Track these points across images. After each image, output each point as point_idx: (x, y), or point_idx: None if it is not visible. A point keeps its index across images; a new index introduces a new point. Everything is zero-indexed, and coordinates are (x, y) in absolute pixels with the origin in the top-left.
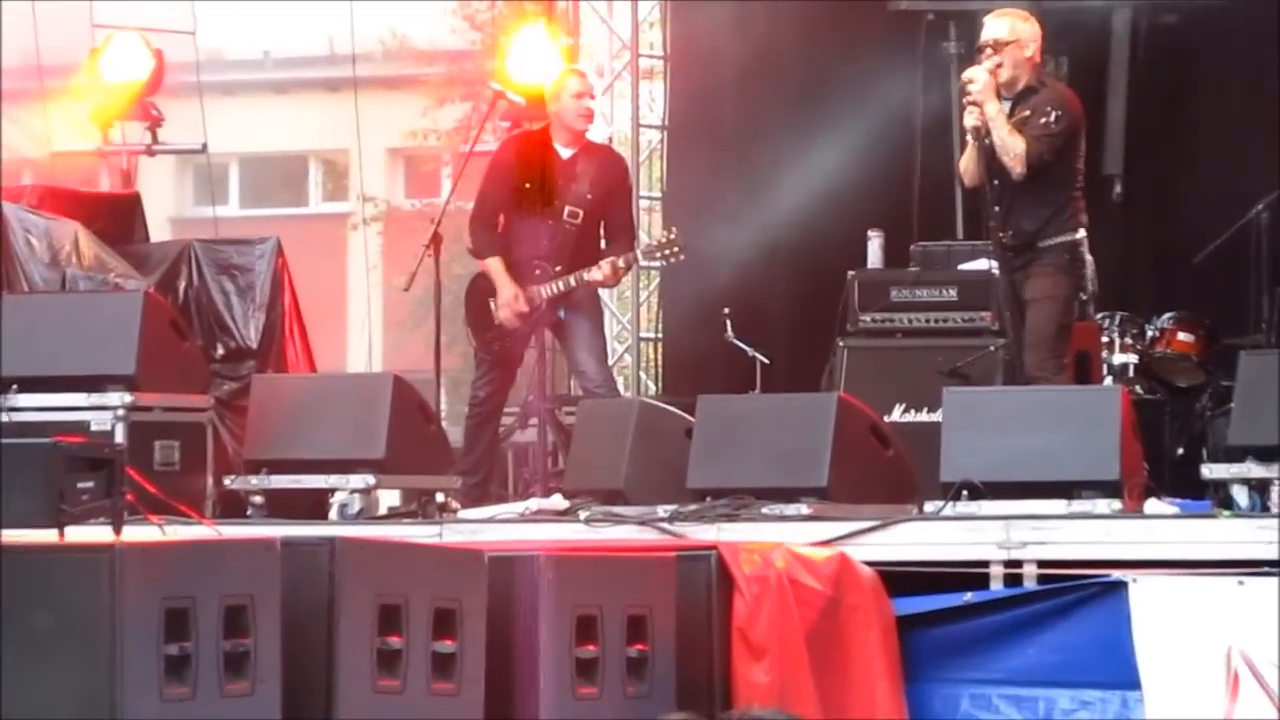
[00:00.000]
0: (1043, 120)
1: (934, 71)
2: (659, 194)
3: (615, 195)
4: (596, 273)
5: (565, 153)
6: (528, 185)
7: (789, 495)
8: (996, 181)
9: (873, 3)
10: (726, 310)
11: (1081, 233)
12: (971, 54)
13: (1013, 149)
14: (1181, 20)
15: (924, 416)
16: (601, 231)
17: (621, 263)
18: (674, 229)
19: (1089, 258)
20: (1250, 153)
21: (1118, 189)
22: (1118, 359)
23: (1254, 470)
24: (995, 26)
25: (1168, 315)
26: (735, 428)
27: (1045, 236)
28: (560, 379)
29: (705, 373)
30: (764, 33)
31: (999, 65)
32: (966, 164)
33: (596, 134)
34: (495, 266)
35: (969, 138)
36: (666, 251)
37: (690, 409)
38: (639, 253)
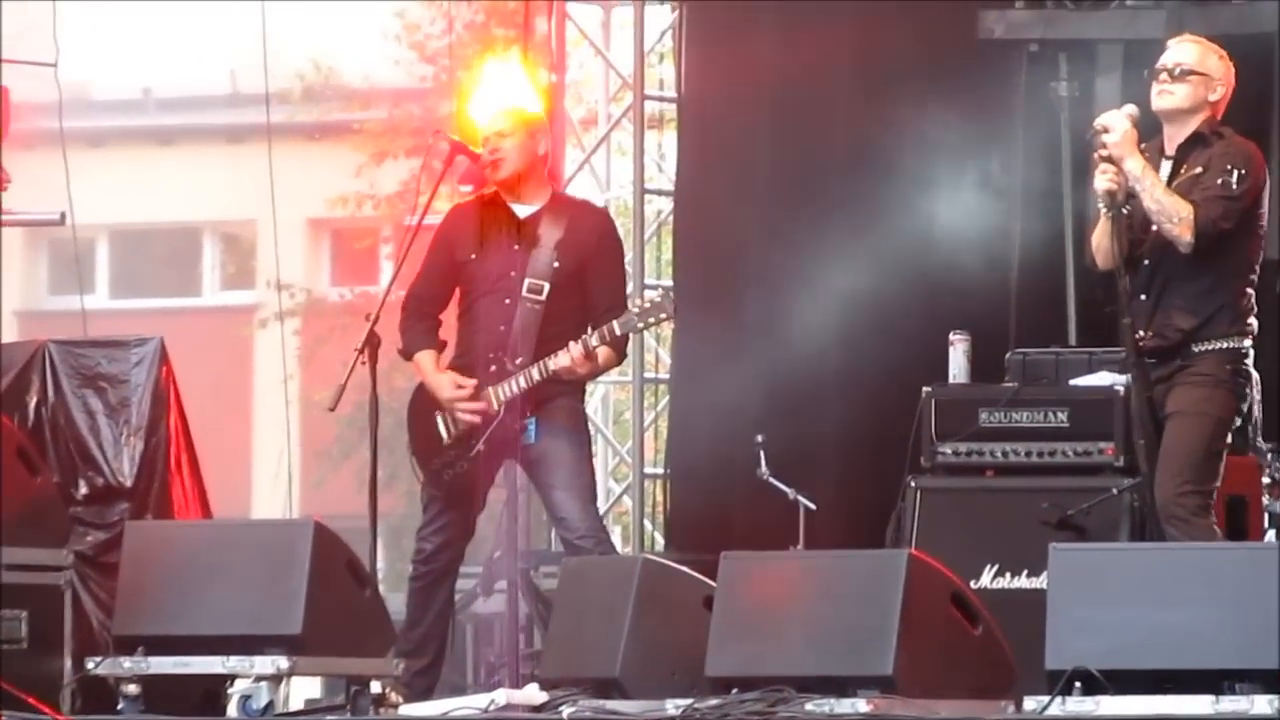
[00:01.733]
0: (1220, 180)
1: (1038, 120)
2: (670, 280)
3: (596, 261)
4: (562, 358)
5: (523, 210)
6: (473, 257)
7: (842, 687)
8: (1146, 262)
9: (958, 30)
10: (760, 438)
11: (1250, 339)
12: (1089, 96)
13: (1176, 213)
14: None
15: (1023, 582)
16: (582, 312)
17: (595, 341)
18: (669, 292)
19: (1255, 373)
20: None
21: None
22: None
23: None
24: (1182, 50)
25: None
26: (769, 596)
27: (1203, 339)
28: (537, 529)
29: (730, 522)
30: (811, 67)
31: (1172, 94)
32: (1099, 240)
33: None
34: (424, 361)
35: (1100, 207)
36: (650, 318)
37: (710, 570)
38: (617, 324)
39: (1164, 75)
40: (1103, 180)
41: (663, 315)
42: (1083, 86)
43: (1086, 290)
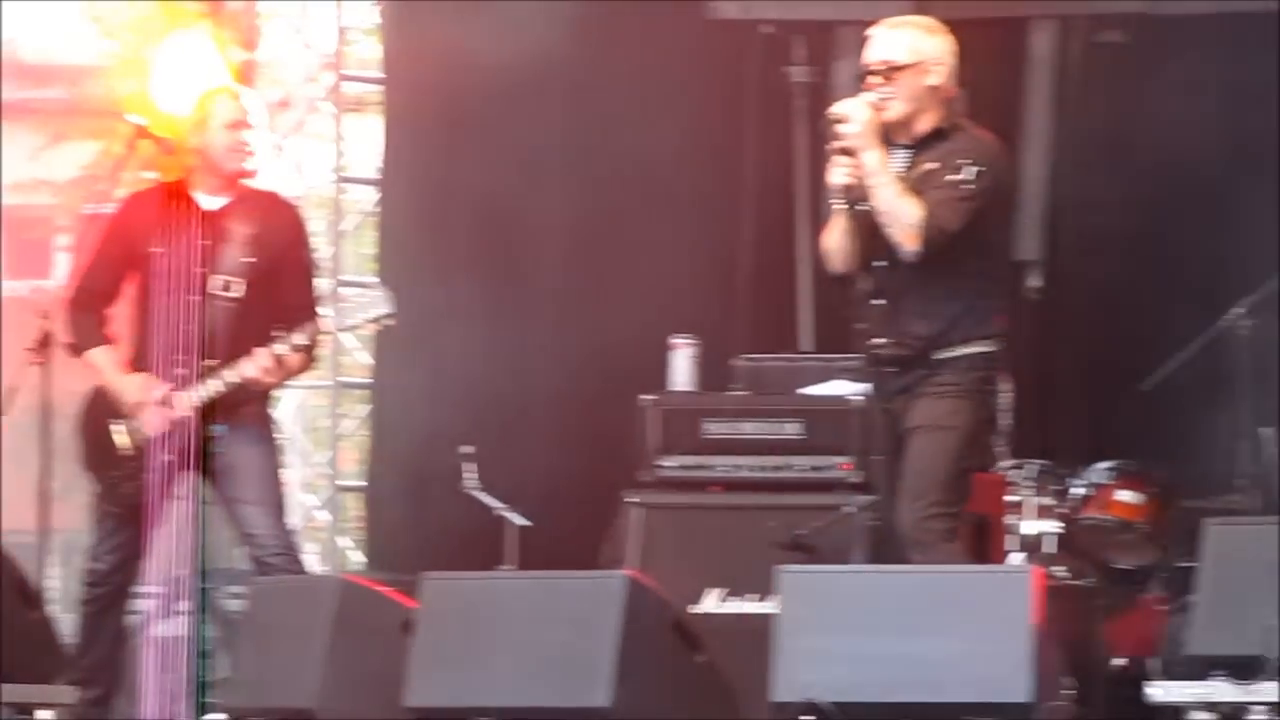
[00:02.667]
0: (953, 177)
1: (773, 108)
2: (369, 277)
3: (288, 257)
4: (248, 367)
5: (212, 203)
6: (154, 250)
7: None
8: (879, 264)
9: (684, 4)
10: (466, 449)
11: (997, 345)
12: (826, 83)
13: (903, 217)
14: (1134, 39)
15: (750, 606)
16: (275, 310)
17: (288, 347)
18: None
19: (1004, 382)
20: (1228, 231)
21: (1035, 281)
22: (1031, 526)
23: (1223, 692)
24: (887, 43)
25: (1103, 466)
26: (477, 621)
27: (946, 345)
28: (222, 545)
29: (434, 539)
30: (527, 50)
31: (888, 99)
32: (834, 240)
33: (281, 188)
34: (100, 358)
35: (837, 202)
36: (368, 315)
37: (414, 591)
38: (303, 334)
39: (874, 79)
40: (840, 174)
41: (380, 313)
42: (821, 73)
43: (822, 293)
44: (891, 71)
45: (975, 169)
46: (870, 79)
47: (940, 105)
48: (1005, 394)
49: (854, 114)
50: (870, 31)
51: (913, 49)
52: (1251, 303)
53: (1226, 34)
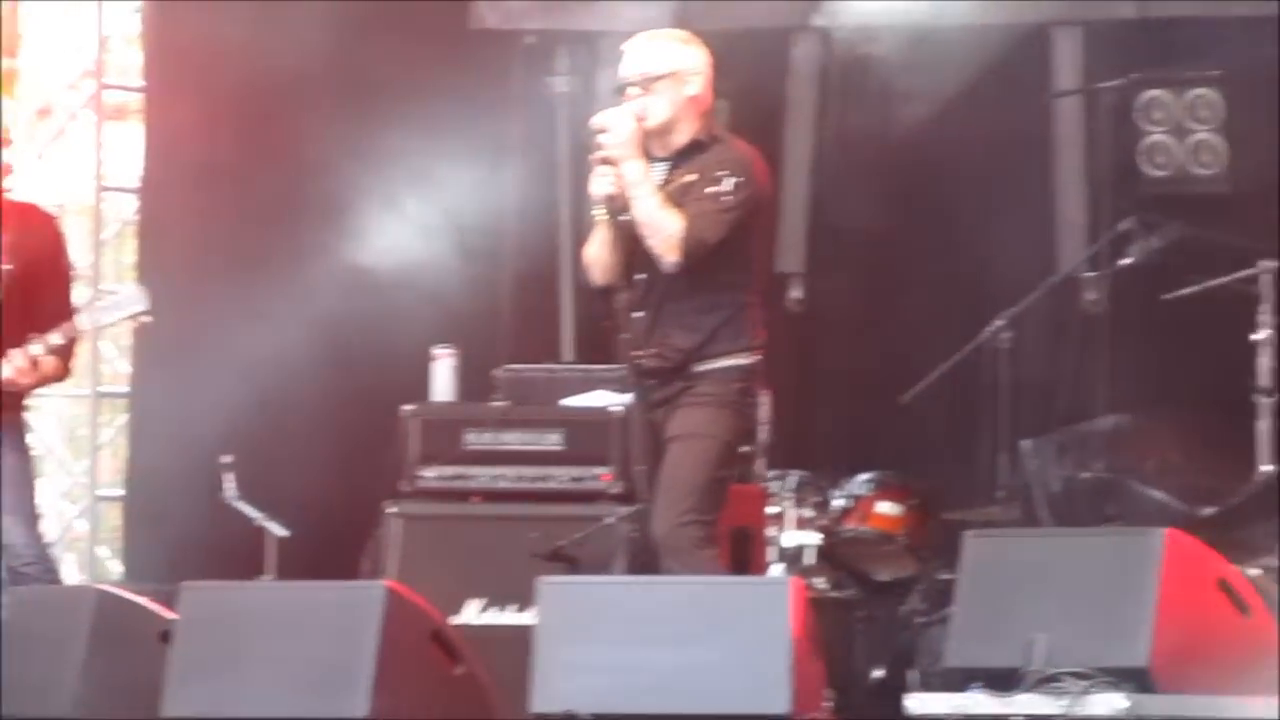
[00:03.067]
0: (712, 190)
1: (537, 119)
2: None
3: (45, 266)
4: (5, 367)
5: None
6: None
7: None
8: (641, 276)
9: (449, 20)
10: (226, 459)
11: (757, 355)
12: (590, 93)
13: (663, 229)
14: (895, 50)
15: (513, 617)
16: (32, 319)
17: (43, 348)
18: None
19: (764, 393)
20: (989, 245)
21: (796, 293)
22: (791, 538)
23: (981, 704)
24: (644, 55)
25: (864, 478)
26: (235, 632)
27: (705, 357)
28: None
29: (193, 549)
30: (287, 59)
31: (647, 109)
32: (596, 251)
33: (40, 198)
34: None
35: (598, 213)
36: (118, 313)
37: (170, 601)
38: (60, 332)
39: (632, 90)
40: (601, 184)
41: (137, 309)
42: (583, 83)
43: (584, 303)
44: (649, 82)
45: (734, 180)
46: (629, 90)
47: (698, 117)
48: (764, 406)
49: (615, 125)
50: (627, 44)
51: (669, 60)
52: (1011, 315)
53: (992, 46)
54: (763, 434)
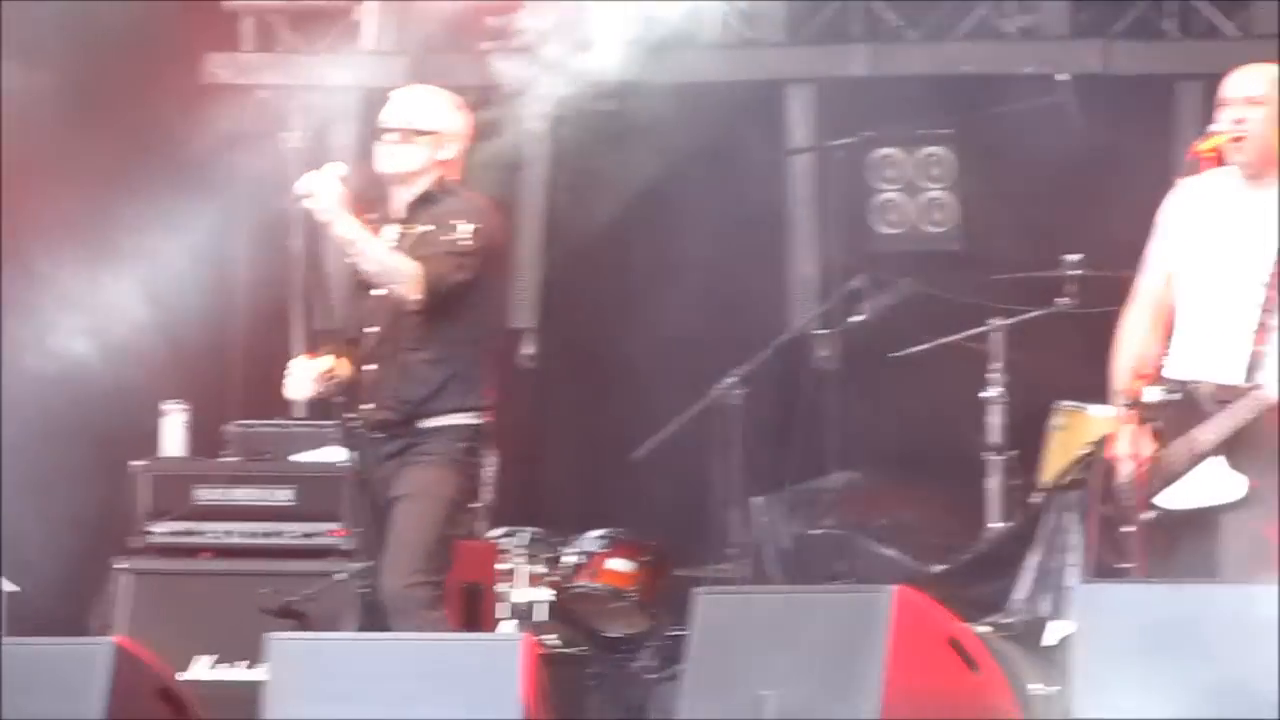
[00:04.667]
0: (448, 236)
1: (269, 173)
2: None
3: None
4: None
5: None
6: None
7: None
8: (372, 329)
9: (181, 73)
10: None
11: (487, 415)
12: (323, 147)
13: (399, 271)
14: (630, 106)
15: (240, 674)
16: None
17: None
18: None
19: (491, 453)
20: (723, 302)
21: (529, 349)
22: (523, 594)
23: None
24: (412, 107)
25: (595, 534)
26: None
27: (434, 413)
28: None
29: None
30: (18, 107)
31: (400, 159)
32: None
33: None
34: None
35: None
36: None
37: None
38: None
39: (391, 135)
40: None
41: None
42: (317, 137)
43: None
44: (409, 134)
45: (471, 226)
46: (386, 136)
47: (442, 173)
48: (491, 465)
49: (319, 188)
50: (397, 92)
51: (435, 119)
52: (744, 373)
53: (725, 103)
54: (487, 493)
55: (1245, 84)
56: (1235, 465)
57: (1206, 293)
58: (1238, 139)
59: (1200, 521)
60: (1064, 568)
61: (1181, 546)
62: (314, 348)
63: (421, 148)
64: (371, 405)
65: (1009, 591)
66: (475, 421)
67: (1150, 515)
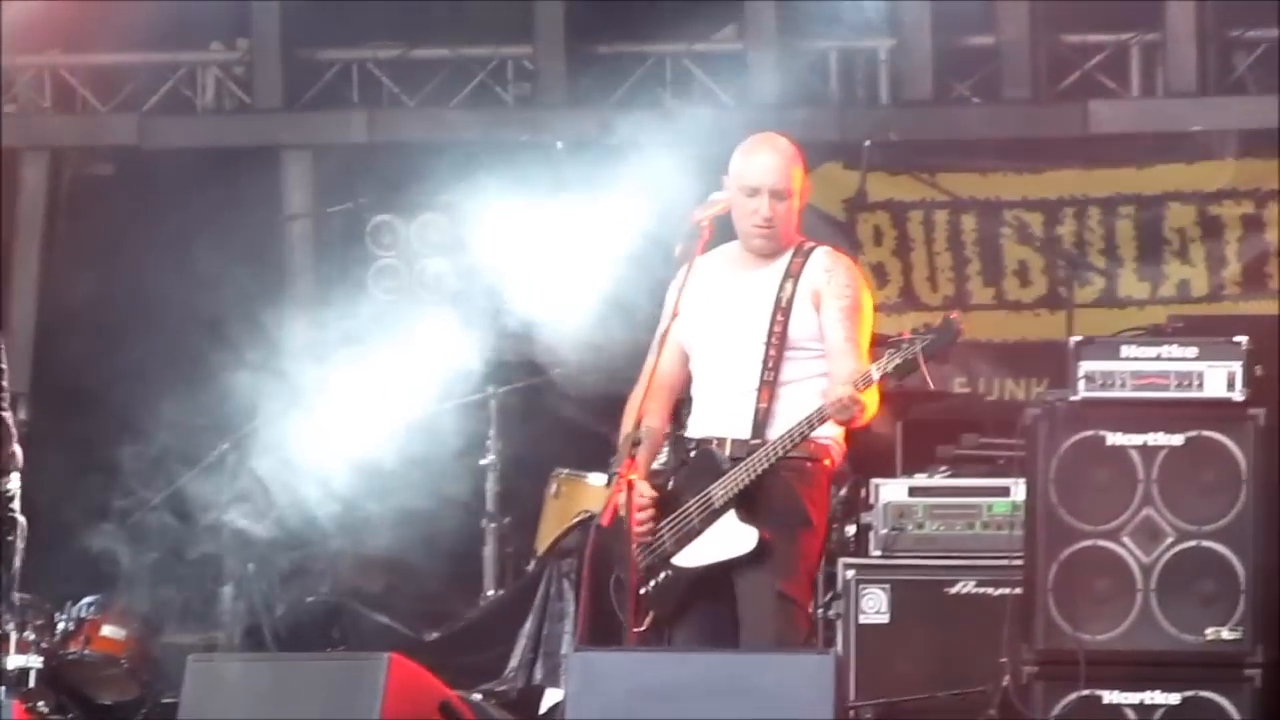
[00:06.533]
0: None
1: None
2: None
3: None
4: None
5: None
6: None
7: None
8: None
9: None
10: None
11: (11, 476)
12: None
13: None
14: (129, 171)
15: None
16: None
17: None
18: None
19: (20, 519)
20: (221, 366)
21: (21, 414)
22: (14, 661)
23: None
24: None
25: (88, 601)
26: None
27: None
28: None
29: None
30: None
31: None
32: None
33: None
34: None
35: None
36: None
37: None
38: None
39: None
40: None
41: None
42: None
43: None
44: None
45: None
46: None
47: None
48: (22, 533)
49: None
50: None
51: None
52: (237, 439)
53: (220, 169)
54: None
55: (774, 176)
56: (745, 519)
57: (717, 358)
58: (766, 229)
59: (716, 578)
60: (559, 635)
61: (698, 606)
62: None
63: None
64: None
65: (504, 659)
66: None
67: (663, 576)
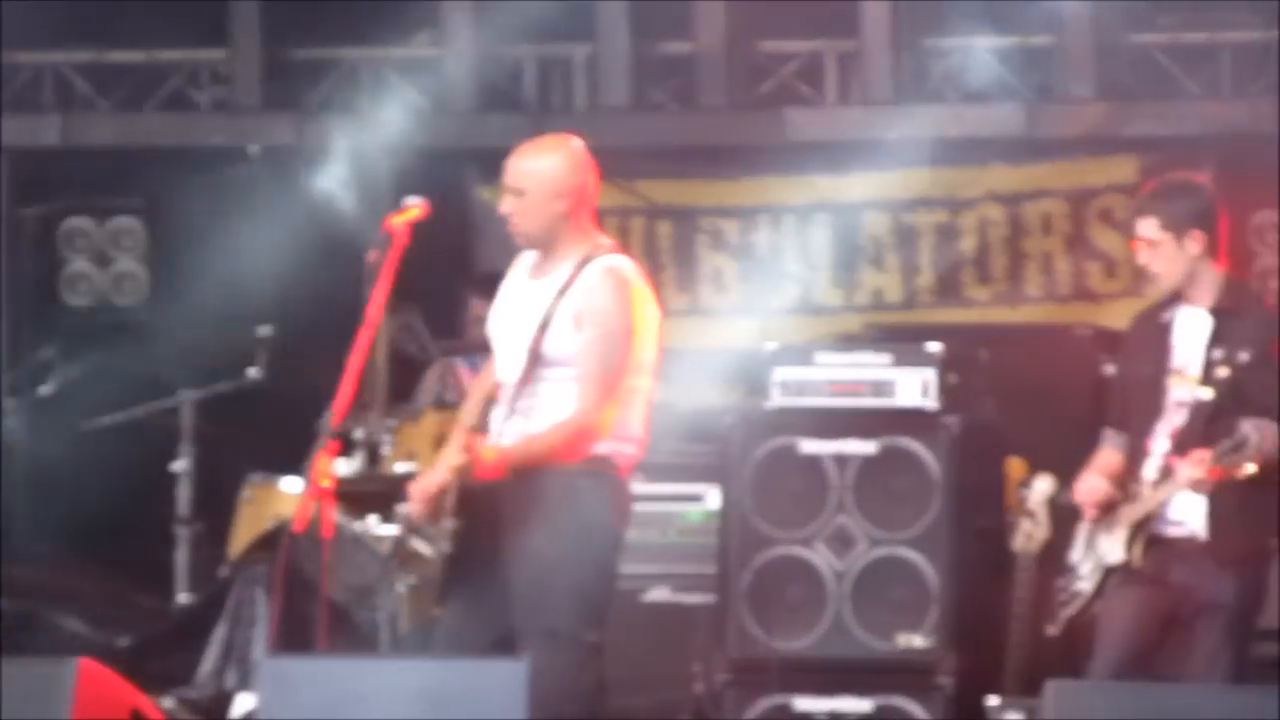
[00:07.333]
0: None
1: None
2: None
3: None
4: None
5: None
6: None
7: None
8: None
9: None
10: None
11: None
12: None
13: None
14: None
15: None
16: None
17: None
18: None
19: None
20: None
21: None
22: None
23: None
24: None
25: None
26: None
27: None
28: None
29: None
30: None
31: None
32: None
33: None
34: None
35: None
36: None
37: None
38: None
39: None
40: None
41: None
42: None
43: None
44: None
45: None
46: None
47: None
48: None
49: None
50: None
51: None
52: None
53: None
54: None
55: (510, 174)
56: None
57: (500, 362)
58: (509, 224)
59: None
60: (251, 641)
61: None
62: None
63: None
64: None
65: (196, 665)
66: None
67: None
